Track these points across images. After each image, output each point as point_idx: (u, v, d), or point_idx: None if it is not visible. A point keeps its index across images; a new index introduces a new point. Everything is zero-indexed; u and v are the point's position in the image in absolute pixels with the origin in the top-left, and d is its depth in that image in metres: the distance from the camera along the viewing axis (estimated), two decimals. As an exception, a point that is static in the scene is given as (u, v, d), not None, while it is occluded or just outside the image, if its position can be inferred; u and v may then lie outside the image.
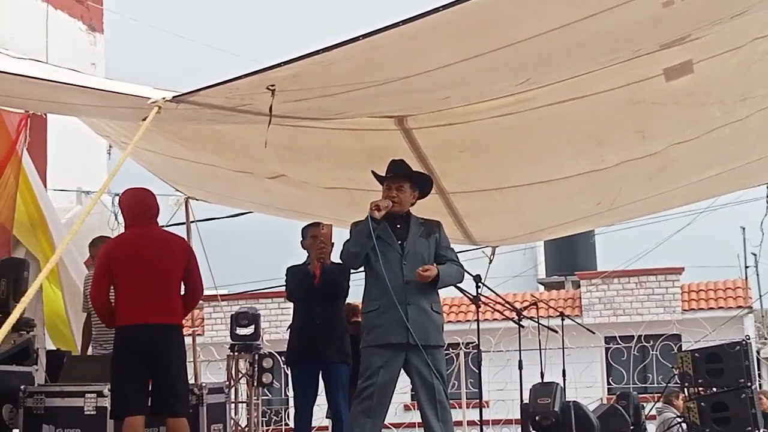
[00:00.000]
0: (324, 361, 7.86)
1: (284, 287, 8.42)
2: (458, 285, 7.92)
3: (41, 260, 10.28)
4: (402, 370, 6.66)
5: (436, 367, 6.55)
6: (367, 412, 6.54)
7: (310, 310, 7.95)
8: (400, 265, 6.62)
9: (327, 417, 8.41)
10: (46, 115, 11.23)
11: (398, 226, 6.77)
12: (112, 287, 6.97)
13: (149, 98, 5.98)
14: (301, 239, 8.23)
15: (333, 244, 7.83)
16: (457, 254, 7.10)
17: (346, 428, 6.75)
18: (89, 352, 8.94)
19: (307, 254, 8.16)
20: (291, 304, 8.47)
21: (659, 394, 12.45)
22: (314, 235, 7.95)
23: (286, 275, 8.20)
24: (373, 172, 7.07)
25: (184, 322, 7.32)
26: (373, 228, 6.54)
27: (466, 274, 7.81)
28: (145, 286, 6.85)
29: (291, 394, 16.76)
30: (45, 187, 11.15)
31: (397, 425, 16.70)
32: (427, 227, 6.86)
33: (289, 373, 8.19)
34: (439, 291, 6.88)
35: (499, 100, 7.29)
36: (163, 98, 5.93)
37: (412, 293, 6.57)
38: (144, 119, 5.87)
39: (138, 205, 7.17)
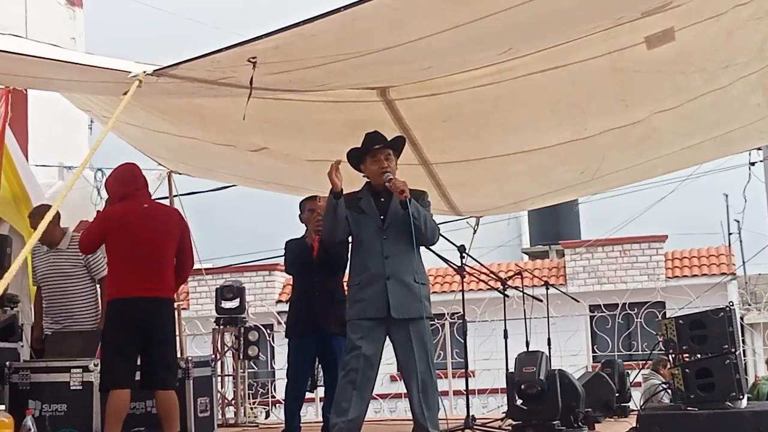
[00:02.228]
0: (323, 333, 7.86)
1: (283, 259, 8.43)
2: (442, 255, 7.94)
3: (25, 236, 10.23)
4: (389, 342, 6.67)
5: (418, 338, 6.57)
6: (353, 384, 6.57)
7: (309, 282, 7.95)
8: (381, 239, 6.61)
9: (307, 390, 8.42)
10: (26, 90, 11.17)
11: (382, 199, 6.74)
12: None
13: (130, 72, 5.96)
14: (300, 213, 8.21)
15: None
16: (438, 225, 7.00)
17: (334, 402, 6.77)
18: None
19: (306, 227, 8.14)
20: (275, 278, 8.51)
21: (644, 362, 12.52)
22: (312, 208, 7.94)
23: (285, 248, 8.20)
24: (353, 149, 6.98)
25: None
26: (334, 200, 6.58)
27: (450, 244, 7.84)
28: (138, 259, 6.86)
29: (278, 366, 16.83)
30: (27, 162, 11.09)
31: (383, 396, 16.75)
32: (411, 195, 6.75)
33: (284, 344, 8.18)
34: (423, 261, 6.85)
35: (481, 69, 7.28)
36: (144, 72, 5.91)
37: (391, 267, 6.55)
38: (125, 93, 5.85)
39: (123, 177, 7.16)
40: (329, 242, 7.06)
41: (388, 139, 6.97)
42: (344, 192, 6.71)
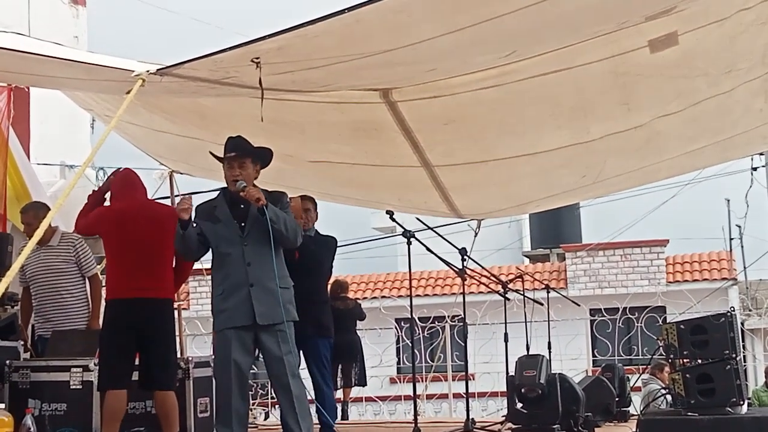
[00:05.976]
0: (300, 335, 7.82)
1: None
2: (444, 258, 7.92)
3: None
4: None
5: (287, 342, 6.49)
6: (237, 393, 6.58)
7: None
8: (241, 247, 6.51)
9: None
10: (28, 88, 11.17)
11: (241, 206, 6.57)
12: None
13: (133, 71, 5.96)
14: None
15: (302, 217, 7.82)
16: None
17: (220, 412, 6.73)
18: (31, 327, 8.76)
19: None
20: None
21: (644, 366, 12.52)
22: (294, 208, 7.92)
23: None
24: (210, 152, 6.91)
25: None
26: (181, 231, 6.52)
27: (452, 247, 7.83)
28: (137, 259, 6.85)
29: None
30: (28, 160, 11.09)
31: (383, 398, 16.76)
32: (270, 200, 6.58)
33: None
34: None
35: (483, 72, 7.27)
36: (147, 71, 5.91)
37: (254, 273, 6.46)
38: (128, 92, 5.85)
39: (121, 181, 7.19)
40: (184, 257, 7.04)
41: (254, 146, 6.82)
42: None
